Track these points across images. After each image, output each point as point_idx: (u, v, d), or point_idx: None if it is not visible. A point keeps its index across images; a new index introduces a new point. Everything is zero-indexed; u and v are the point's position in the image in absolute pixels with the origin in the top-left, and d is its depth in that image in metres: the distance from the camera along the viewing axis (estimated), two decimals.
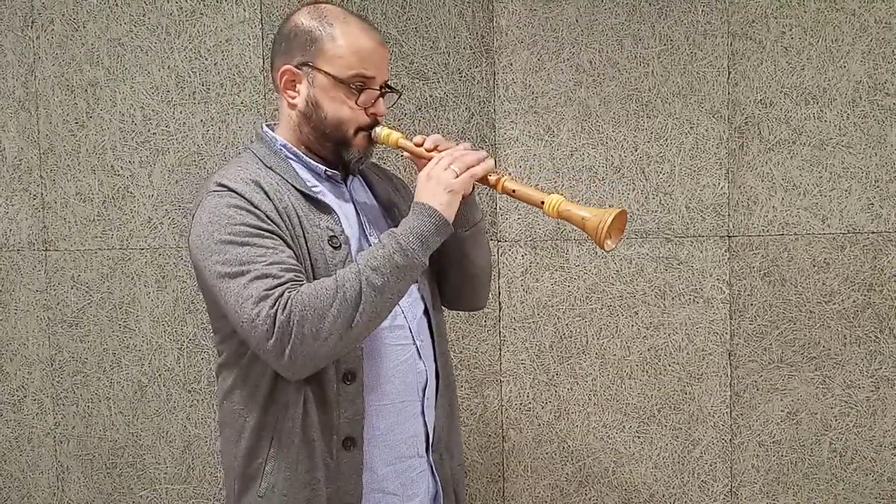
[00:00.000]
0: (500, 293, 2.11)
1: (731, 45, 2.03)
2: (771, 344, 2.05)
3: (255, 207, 1.29)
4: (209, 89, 2.15)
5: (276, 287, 1.22)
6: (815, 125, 2.02)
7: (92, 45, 2.18)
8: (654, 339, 2.08)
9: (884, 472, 2.05)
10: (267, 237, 1.27)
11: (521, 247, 2.11)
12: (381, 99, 1.41)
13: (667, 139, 2.06)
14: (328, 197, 1.41)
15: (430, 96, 2.10)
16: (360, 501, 1.36)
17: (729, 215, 2.05)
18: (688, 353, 2.08)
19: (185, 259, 2.16)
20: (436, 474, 1.46)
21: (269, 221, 1.29)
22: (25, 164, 2.22)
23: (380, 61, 1.40)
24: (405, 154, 1.44)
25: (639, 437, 2.10)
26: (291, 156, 1.42)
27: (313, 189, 1.39)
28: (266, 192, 1.31)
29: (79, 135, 2.19)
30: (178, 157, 2.17)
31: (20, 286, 2.25)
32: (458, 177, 1.33)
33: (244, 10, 2.14)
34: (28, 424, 2.27)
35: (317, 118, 1.38)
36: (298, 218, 1.33)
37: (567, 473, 2.13)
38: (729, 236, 2.05)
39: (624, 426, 2.11)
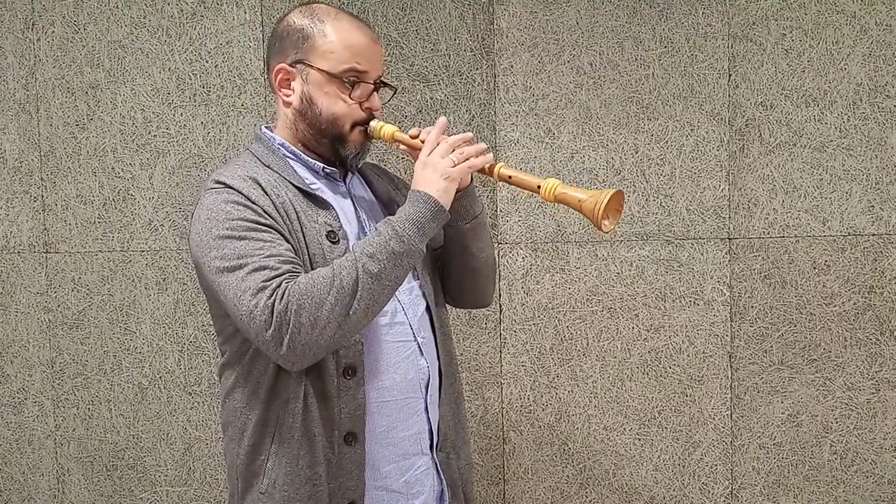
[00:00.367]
0: (500, 295, 2.11)
1: (731, 47, 2.03)
2: (771, 346, 2.05)
3: (253, 203, 1.29)
4: (210, 91, 2.15)
5: (273, 278, 1.23)
6: (816, 127, 2.02)
7: (92, 47, 2.18)
8: (654, 342, 2.08)
9: (884, 475, 2.05)
10: (264, 231, 1.27)
11: (521, 249, 2.11)
12: (375, 93, 1.41)
13: (667, 141, 2.06)
14: (326, 193, 1.41)
15: (431, 98, 2.10)
16: (363, 498, 1.36)
17: (729, 217, 2.05)
18: (688, 356, 2.08)
19: (185, 261, 2.16)
20: (441, 473, 1.46)
21: (266, 216, 1.29)
22: (26, 167, 2.22)
23: (372, 56, 1.39)
24: (401, 148, 1.43)
25: (639, 440, 2.10)
26: (289, 154, 1.42)
27: (311, 186, 1.39)
28: (263, 189, 1.32)
29: (79, 137, 2.19)
30: (179, 159, 2.17)
31: (21, 288, 2.25)
32: (455, 165, 1.32)
33: (245, 13, 2.14)
34: (29, 427, 2.27)
35: (312, 114, 1.38)
36: (296, 213, 1.33)
37: (567, 475, 2.13)
38: (729, 238, 2.05)
39: (624, 428, 2.11)
